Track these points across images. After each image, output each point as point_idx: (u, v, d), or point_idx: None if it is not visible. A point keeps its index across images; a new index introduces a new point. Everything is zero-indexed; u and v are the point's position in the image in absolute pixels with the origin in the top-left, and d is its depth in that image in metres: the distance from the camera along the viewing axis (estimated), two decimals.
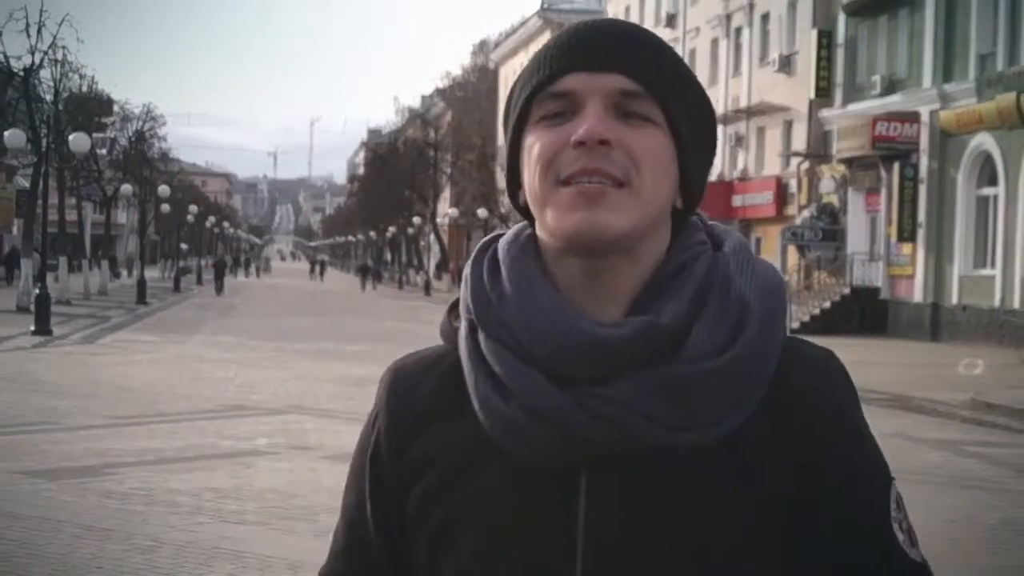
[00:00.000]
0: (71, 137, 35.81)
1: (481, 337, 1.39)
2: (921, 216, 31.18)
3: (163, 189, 61.96)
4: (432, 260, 79.08)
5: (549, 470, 1.35)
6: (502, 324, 1.38)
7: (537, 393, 1.34)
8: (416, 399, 1.46)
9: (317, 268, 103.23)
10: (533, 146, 1.39)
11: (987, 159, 29.17)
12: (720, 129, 36.65)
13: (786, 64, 39.44)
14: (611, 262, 1.37)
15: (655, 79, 1.38)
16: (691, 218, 1.45)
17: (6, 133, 33.23)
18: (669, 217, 1.42)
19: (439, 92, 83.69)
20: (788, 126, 39.73)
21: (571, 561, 1.35)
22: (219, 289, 59.30)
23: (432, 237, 77.63)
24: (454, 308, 1.49)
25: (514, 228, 1.48)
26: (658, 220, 1.39)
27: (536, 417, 1.33)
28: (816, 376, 1.39)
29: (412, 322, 35.12)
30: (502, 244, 1.45)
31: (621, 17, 63.05)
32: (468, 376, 1.40)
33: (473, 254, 1.46)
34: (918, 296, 31.10)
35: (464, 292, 1.44)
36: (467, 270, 1.45)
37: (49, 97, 45.44)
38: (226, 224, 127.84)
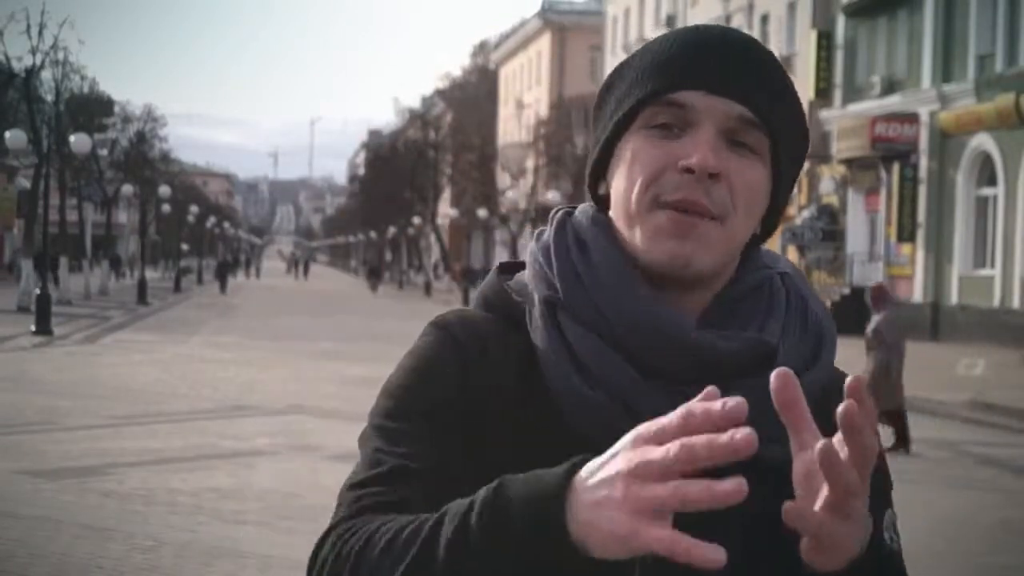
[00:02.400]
0: (72, 138, 35.83)
1: (563, 317, 1.35)
2: (921, 216, 31.19)
3: (164, 189, 62.01)
4: (432, 261, 79.09)
5: None
6: (593, 308, 1.35)
7: (627, 384, 1.32)
8: (487, 363, 1.37)
9: (300, 267, 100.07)
10: (636, 155, 1.35)
11: (986, 159, 29.18)
12: None
13: (786, 65, 39.21)
14: (686, 287, 1.37)
15: (771, 110, 1.36)
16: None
17: (7, 134, 33.24)
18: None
19: (439, 93, 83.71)
20: None
21: (631, 560, 1.32)
22: (222, 288, 59.72)
23: (432, 238, 77.64)
24: (506, 270, 1.45)
25: (589, 210, 1.44)
26: (739, 251, 1.39)
27: (623, 407, 1.31)
28: (826, 394, 1.38)
29: (412, 321, 35.09)
30: (584, 225, 1.41)
31: (620, 18, 62.79)
32: (545, 354, 1.35)
33: (553, 226, 1.42)
34: (918, 296, 31.11)
35: (541, 266, 1.39)
36: (549, 241, 1.40)
37: (50, 98, 45.51)
38: (227, 224, 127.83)
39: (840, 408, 1.10)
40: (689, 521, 1.22)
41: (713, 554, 1.05)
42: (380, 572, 1.20)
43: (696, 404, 1.07)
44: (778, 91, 1.39)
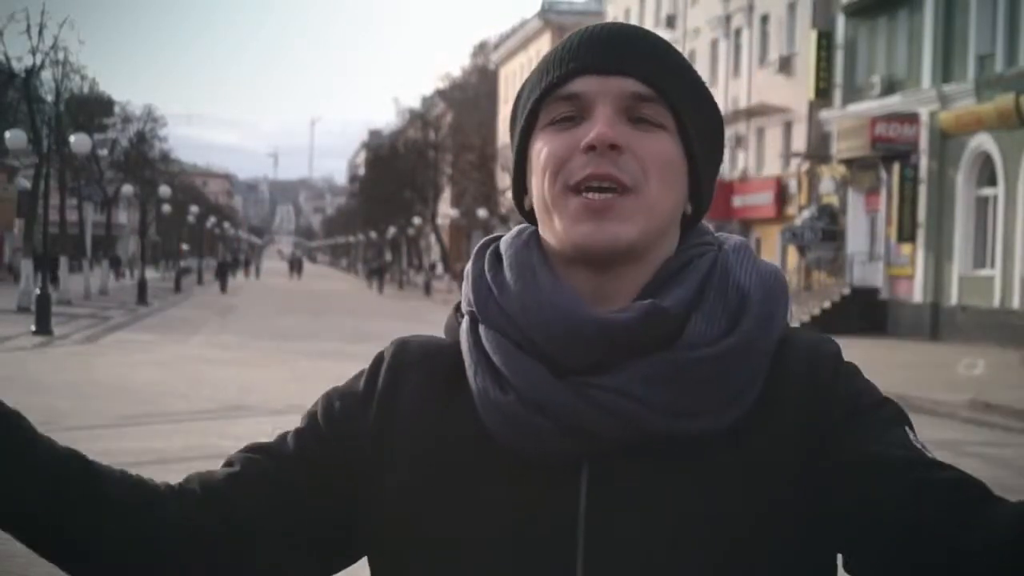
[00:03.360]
0: (72, 138, 35.85)
1: (481, 329, 1.37)
2: (921, 216, 31.21)
3: (164, 190, 62.04)
4: (430, 260, 79.10)
5: (548, 463, 1.32)
6: (502, 313, 1.36)
7: (536, 383, 1.32)
8: (421, 376, 1.42)
9: (296, 266, 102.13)
10: (541, 151, 1.37)
11: (986, 160, 29.19)
12: None
13: (786, 65, 39.47)
14: (618, 270, 1.36)
15: (666, 83, 1.37)
16: (700, 224, 1.44)
17: (7, 134, 33.25)
18: (678, 224, 1.40)
19: (439, 93, 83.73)
20: (788, 127, 39.75)
21: (572, 555, 1.31)
22: (223, 288, 59.85)
23: (432, 238, 77.65)
24: (460, 306, 1.48)
25: (516, 228, 1.46)
26: (667, 227, 1.38)
27: (535, 408, 1.31)
28: (811, 360, 1.37)
29: (412, 321, 35.09)
30: (504, 240, 1.44)
31: (621, 19, 63.01)
32: (468, 368, 1.37)
33: (475, 250, 1.45)
34: (918, 296, 31.12)
35: (465, 286, 1.43)
36: (469, 265, 1.44)
37: (50, 98, 45.50)
38: (227, 225, 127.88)
39: None
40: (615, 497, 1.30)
41: None
42: None
43: None
44: (671, 65, 1.39)
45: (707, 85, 1.44)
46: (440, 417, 1.39)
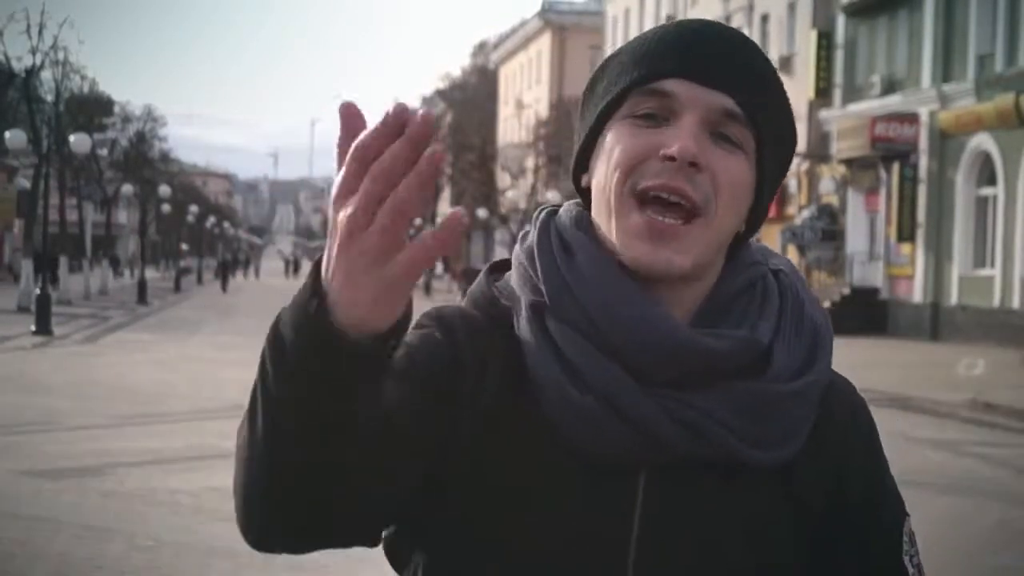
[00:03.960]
0: (72, 138, 35.84)
1: (551, 321, 1.33)
2: (921, 216, 31.19)
3: (164, 189, 62.04)
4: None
5: (610, 466, 1.31)
6: (580, 310, 1.32)
7: (618, 388, 1.30)
8: (480, 364, 1.33)
9: (291, 267, 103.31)
10: (616, 144, 1.33)
11: (986, 159, 29.18)
12: None
13: (785, 65, 39.45)
14: (670, 285, 1.35)
15: (759, 106, 1.34)
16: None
17: (7, 134, 33.25)
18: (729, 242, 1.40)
19: (439, 93, 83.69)
20: None
21: (623, 560, 1.32)
22: (224, 287, 60.08)
23: None
24: (495, 270, 1.43)
25: (572, 209, 1.41)
26: (723, 247, 1.37)
27: (615, 413, 1.29)
28: (849, 408, 1.41)
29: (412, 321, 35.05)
30: (567, 226, 1.38)
31: (620, 19, 62.80)
32: (533, 359, 1.32)
33: (537, 229, 1.39)
34: (918, 296, 31.11)
35: (526, 270, 1.36)
36: (533, 244, 1.38)
37: (50, 98, 45.52)
38: (226, 224, 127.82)
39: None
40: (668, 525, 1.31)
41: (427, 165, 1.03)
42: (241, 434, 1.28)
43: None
44: (767, 88, 1.36)
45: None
46: (503, 406, 1.33)
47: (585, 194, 1.40)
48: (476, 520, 1.32)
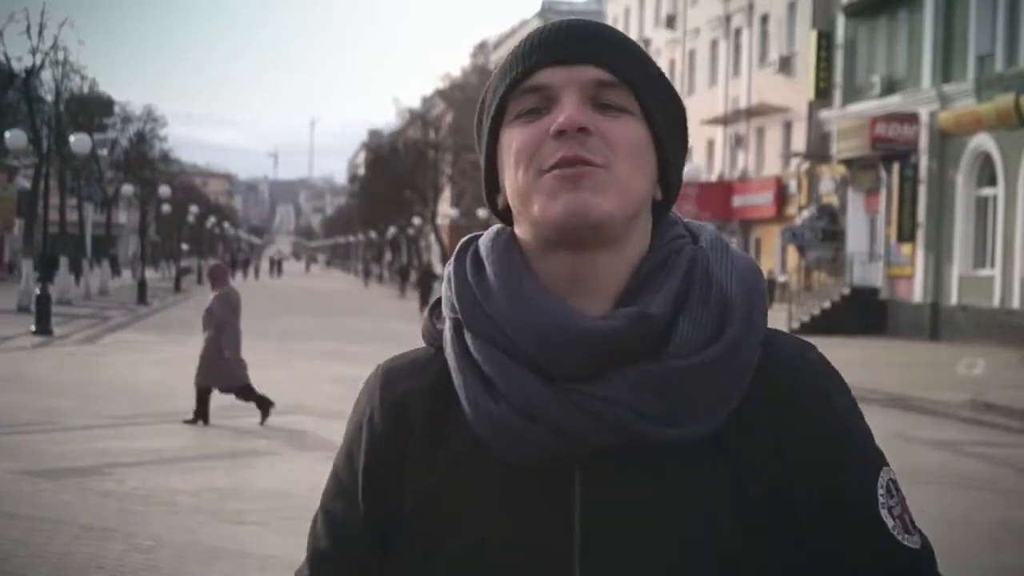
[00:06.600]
0: (72, 138, 35.82)
1: (468, 337, 1.38)
2: (921, 216, 31.19)
3: (164, 190, 62.02)
4: (428, 260, 78.98)
5: (542, 471, 1.34)
6: (489, 321, 1.36)
7: (527, 392, 1.33)
8: (409, 401, 1.43)
9: (276, 266, 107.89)
10: (512, 143, 1.38)
11: (986, 160, 29.17)
12: (720, 130, 36.64)
13: (786, 65, 39.45)
14: (596, 255, 1.36)
15: (628, 70, 1.39)
16: (669, 213, 1.45)
17: (7, 134, 33.23)
18: (650, 211, 1.41)
19: (439, 93, 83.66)
20: (788, 127, 39.74)
21: (568, 561, 1.34)
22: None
23: (432, 237, 77.58)
24: (435, 308, 1.48)
25: (492, 228, 1.46)
26: (639, 210, 1.38)
27: (527, 416, 1.32)
28: (796, 371, 1.39)
29: (412, 322, 35.10)
30: (483, 242, 1.43)
31: (621, 19, 62.93)
32: (456, 378, 1.38)
33: (455, 253, 1.45)
34: (918, 296, 31.10)
35: (447, 291, 1.43)
36: (449, 268, 1.43)
37: (50, 98, 45.49)
38: (226, 224, 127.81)
39: None
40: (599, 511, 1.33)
41: None
42: None
43: None
44: (631, 54, 1.41)
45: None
46: (439, 425, 1.41)
47: (504, 215, 1.45)
48: (424, 546, 1.39)
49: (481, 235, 1.47)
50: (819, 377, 1.40)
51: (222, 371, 13.69)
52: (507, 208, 1.43)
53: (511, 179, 1.39)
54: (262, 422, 13.83)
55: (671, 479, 1.33)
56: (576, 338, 1.32)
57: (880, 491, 1.37)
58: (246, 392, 13.96)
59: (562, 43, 1.39)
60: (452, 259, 1.45)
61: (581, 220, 1.33)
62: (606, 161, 1.34)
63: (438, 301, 1.48)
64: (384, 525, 1.42)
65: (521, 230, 1.40)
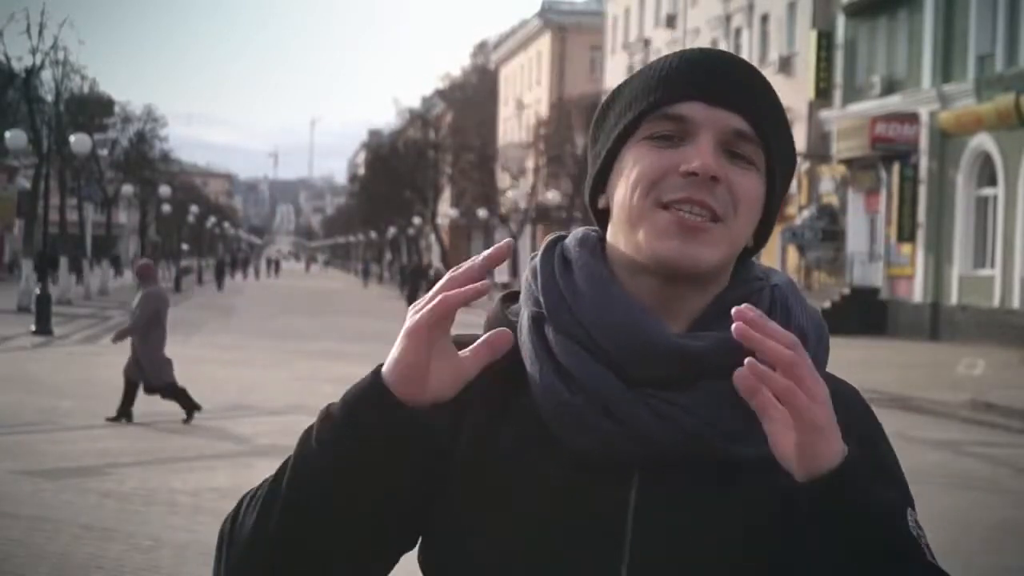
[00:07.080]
0: (72, 138, 35.83)
1: (549, 331, 1.41)
2: (921, 216, 31.20)
3: (164, 190, 62.06)
4: (428, 260, 79.02)
5: (603, 465, 1.37)
6: (575, 321, 1.40)
7: (606, 387, 1.37)
8: (475, 385, 1.41)
9: (273, 266, 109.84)
10: (637, 162, 1.41)
11: (986, 160, 29.19)
12: None
13: (786, 65, 39.46)
14: (685, 289, 1.42)
15: (766, 125, 1.43)
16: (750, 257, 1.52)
17: (7, 134, 33.25)
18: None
19: (439, 93, 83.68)
20: None
21: (615, 560, 1.37)
22: (220, 287, 60.22)
23: (432, 237, 77.59)
24: (508, 299, 1.51)
25: (580, 231, 1.51)
26: (735, 259, 1.45)
27: (602, 409, 1.36)
28: (848, 410, 1.43)
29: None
30: (571, 245, 1.48)
31: (621, 18, 62.75)
32: (531, 365, 1.41)
33: (541, 250, 1.49)
34: (918, 296, 31.11)
35: (531, 286, 1.46)
36: (535, 263, 1.47)
37: (50, 98, 45.52)
38: (227, 224, 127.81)
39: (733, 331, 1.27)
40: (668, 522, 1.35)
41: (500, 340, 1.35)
42: (248, 514, 1.58)
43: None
44: (772, 108, 1.45)
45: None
46: (494, 409, 1.43)
47: (600, 216, 1.49)
48: (471, 524, 1.41)
49: (565, 235, 1.52)
50: (870, 418, 1.52)
51: (150, 369, 13.79)
52: (605, 210, 1.47)
53: (624, 194, 1.42)
54: (186, 421, 13.75)
55: (728, 496, 1.38)
56: (665, 352, 1.38)
57: (910, 521, 1.38)
58: (171, 391, 13.89)
59: (713, 80, 1.41)
60: (539, 255, 1.48)
61: (687, 270, 1.39)
62: (725, 213, 1.39)
63: (509, 294, 1.52)
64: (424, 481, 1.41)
65: (615, 239, 1.44)
